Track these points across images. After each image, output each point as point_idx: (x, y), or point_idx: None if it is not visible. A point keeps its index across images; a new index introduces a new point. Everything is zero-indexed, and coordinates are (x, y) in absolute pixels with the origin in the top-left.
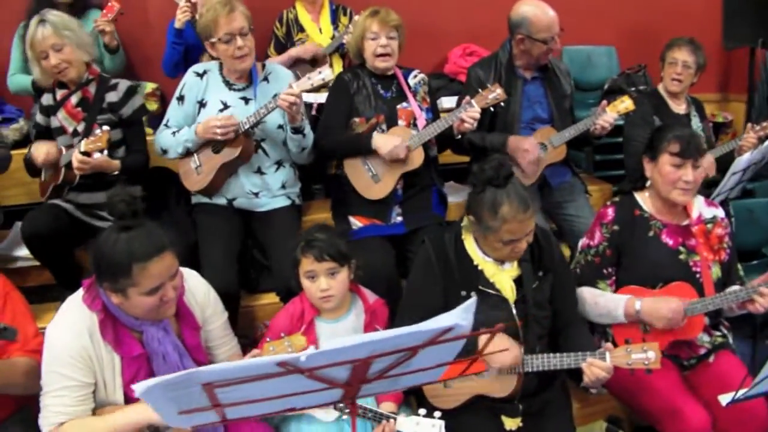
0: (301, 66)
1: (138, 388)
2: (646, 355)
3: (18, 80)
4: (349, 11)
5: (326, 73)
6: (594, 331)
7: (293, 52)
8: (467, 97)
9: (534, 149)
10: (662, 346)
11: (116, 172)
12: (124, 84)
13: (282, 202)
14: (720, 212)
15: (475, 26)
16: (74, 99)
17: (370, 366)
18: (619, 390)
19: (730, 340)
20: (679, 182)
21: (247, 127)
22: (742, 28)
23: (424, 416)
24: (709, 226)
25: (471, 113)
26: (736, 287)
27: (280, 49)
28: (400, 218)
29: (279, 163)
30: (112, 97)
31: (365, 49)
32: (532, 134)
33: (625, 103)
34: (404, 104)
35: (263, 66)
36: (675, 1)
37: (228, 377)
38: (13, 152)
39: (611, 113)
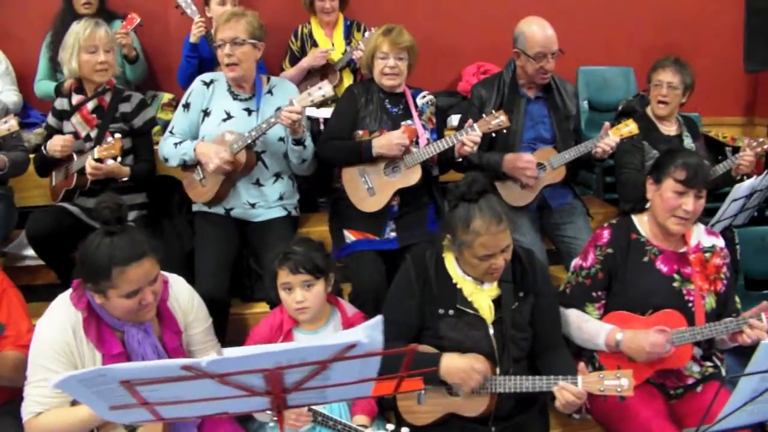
0: (312, 79)
1: (53, 379)
2: (619, 382)
3: (43, 86)
4: (363, 27)
5: (326, 90)
6: (581, 354)
7: (304, 62)
8: (470, 121)
9: (531, 164)
10: (648, 374)
11: (125, 179)
12: (137, 96)
13: (277, 212)
14: (720, 242)
15: (489, 45)
16: (90, 105)
17: (284, 377)
18: (601, 416)
19: (723, 372)
20: (678, 210)
21: (249, 141)
22: (763, 51)
23: (392, 431)
24: (707, 255)
25: (472, 137)
26: (730, 318)
27: (295, 63)
28: (393, 234)
29: (278, 175)
30: (125, 107)
31: (374, 67)
32: (532, 154)
33: (629, 127)
34: (409, 122)
35: (268, 79)
36: (696, 22)
37: (139, 376)
38: (34, 156)
39: (614, 137)
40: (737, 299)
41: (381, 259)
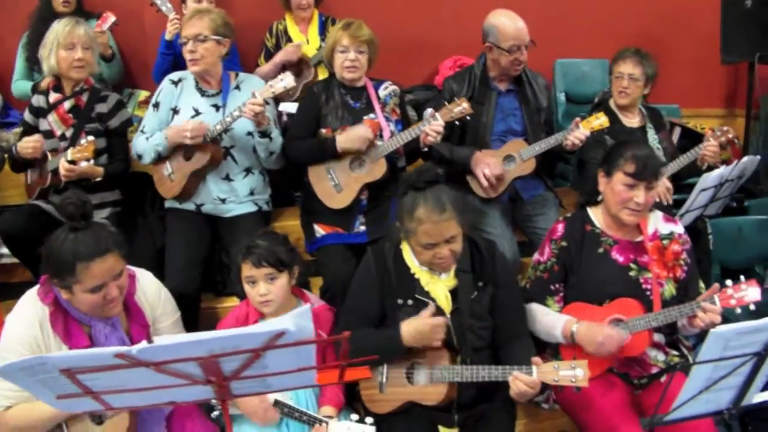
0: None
1: None
2: (573, 373)
3: (20, 86)
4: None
5: (288, 81)
6: (547, 347)
7: (277, 58)
8: (431, 110)
9: (494, 168)
10: (610, 364)
11: (99, 179)
12: (114, 97)
13: (248, 208)
14: (678, 228)
15: (466, 38)
16: (67, 105)
17: (220, 365)
18: (567, 405)
19: (691, 360)
20: (629, 203)
21: (215, 134)
22: (740, 43)
23: (357, 422)
24: (665, 242)
25: (434, 127)
26: (685, 303)
27: (270, 59)
28: (363, 227)
29: (248, 170)
30: (101, 108)
31: (335, 61)
32: (503, 146)
33: (600, 120)
34: (372, 115)
35: (236, 75)
36: (674, 13)
37: (77, 365)
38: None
39: (584, 130)
40: (701, 284)
41: (351, 253)
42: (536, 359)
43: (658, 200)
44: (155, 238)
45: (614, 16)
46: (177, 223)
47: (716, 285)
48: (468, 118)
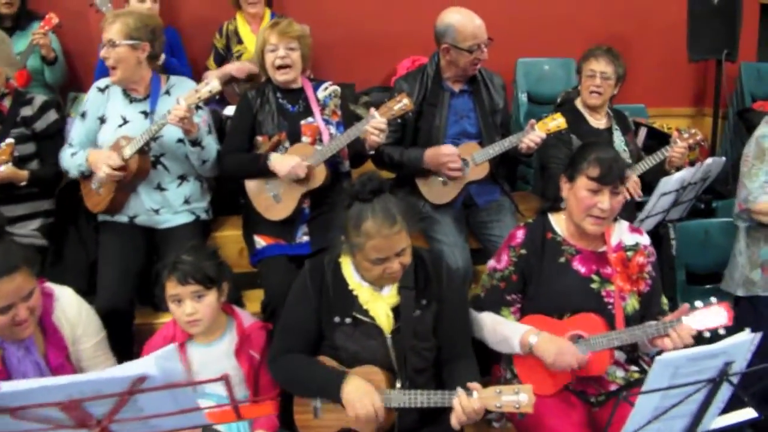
0: (239, 83)
1: None
2: (517, 398)
3: None
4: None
5: (213, 85)
6: (500, 360)
7: (228, 68)
8: (372, 109)
9: (452, 156)
10: (566, 382)
11: (24, 183)
12: (39, 99)
13: (185, 218)
14: (644, 239)
15: (424, 38)
16: None
17: (87, 409)
18: (519, 424)
19: None
20: (593, 209)
21: (141, 144)
22: (706, 40)
23: None
24: (629, 253)
25: (374, 124)
26: (652, 322)
27: (220, 61)
28: (306, 238)
29: (182, 178)
30: (26, 111)
31: (266, 62)
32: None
33: (557, 121)
34: (310, 119)
35: (168, 78)
36: (640, 11)
37: None
38: None
39: (540, 132)
40: (663, 299)
41: (294, 265)
42: (475, 385)
43: (629, 197)
44: (89, 250)
45: (577, 14)
46: (110, 235)
47: (685, 305)
48: (410, 114)
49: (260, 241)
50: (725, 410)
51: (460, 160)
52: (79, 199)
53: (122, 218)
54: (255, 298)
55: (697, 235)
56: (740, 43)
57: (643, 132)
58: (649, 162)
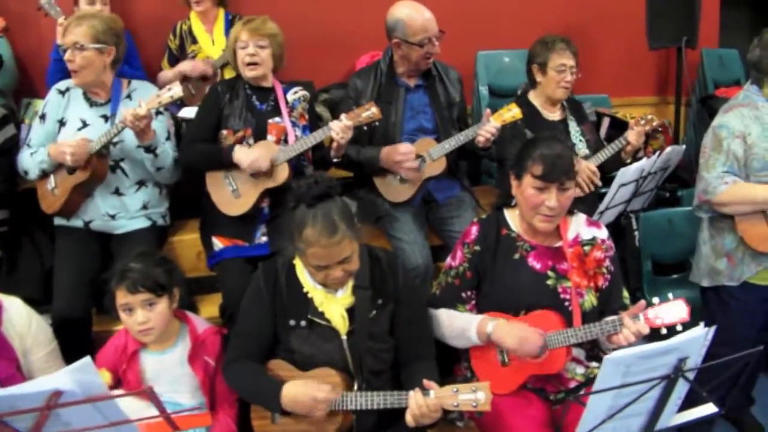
0: (192, 81)
1: None
2: (474, 396)
3: None
4: None
5: (175, 91)
6: (460, 359)
7: (182, 67)
8: (342, 116)
9: (408, 155)
10: (523, 379)
11: None
12: None
13: (141, 223)
14: (601, 233)
15: (382, 33)
16: None
17: (10, 424)
18: (480, 423)
19: None
20: (541, 207)
21: (97, 148)
22: (666, 27)
23: None
24: (586, 248)
25: (339, 127)
26: (609, 318)
27: (174, 62)
28: (265, 238)
29: (141, 183)
30: None
31: (237, 58)
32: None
33: (512, 112)
34: (277, 119)
35: (129, 82)
36: (599, 0)
37: None
38: None
39: (495, 122)
40: (624, 293)
41: (251, 267)
42: (431, 383)
43: (587, 190)
44: (44, 258)
45: (536, 5)
46: (65, 242)
47: (642, 302)
48: (377, 123)
49: (218, 243)
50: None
51: (415, 158)
52: (33, 209)
53: (77, 223)
54: (214, 302)
55: (662, 224)
56: (701, 29)
57: (606, 122)
58: (607, 152)
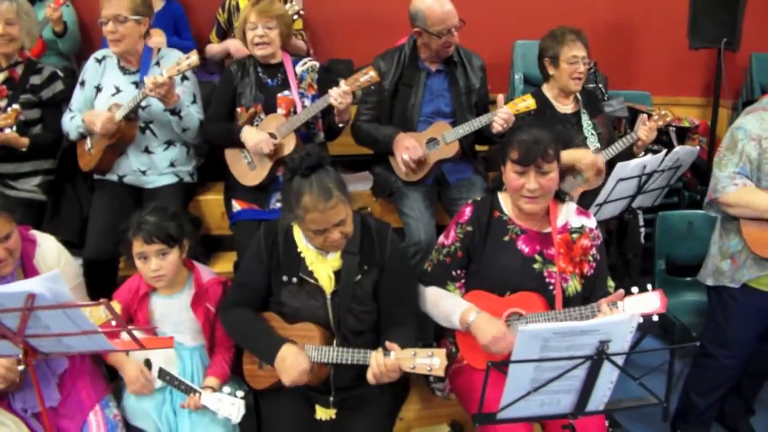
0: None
1: None
2: (430, 361)
3: None
4: None
5: (193, 59)
6: (446, 334)
7: (227, 44)
8: (341, 81)
9: (414, 151)
10: (501, 357)
11: (25, 149)
12: (48, 69)
13: (169, 179)
14: (590, 222)
15: None
16: (1, 77)
17: (2, 321)
18: (458, 395)
19: None
20: (522, 190)
21: (124, 114)
22: (707, 28)
23: (228, 394)
24: (574, 236)
25: (338, 92)
26: (589, 305)
27: (222, 34)
28: (279, 204)
29: (169, 143)
30: (35, 79)
31: (247, 38)
32: (428, 128)
33: (527, 102)
34: (286, 92)
35: (158, 50)
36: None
37: None
38: None
39: (507, 109)
40: (610, 282)
41: None
42: (393, 345)
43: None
44: (83, 207)
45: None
46: (101, 193)
47: (620, 291)
48: (372, 87)
49: (236, 206)
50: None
51: (419, 154)
52: (77, 162)
53: (113, 177)
54: (232, 259)
55: (680, 225)
56: (751, 32)
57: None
58: (618, 146)
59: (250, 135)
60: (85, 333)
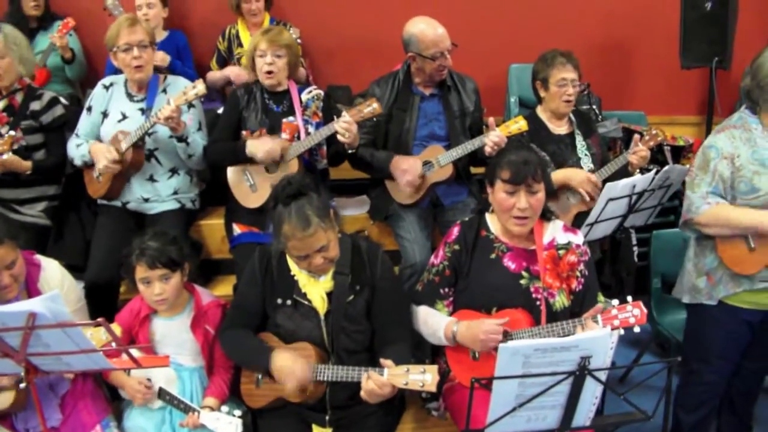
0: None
1: None
2: (423, 377)
3: None
4: (289, 26)
5: (200, 88)
6: (440, 353)
7: (228, 71)
8: (344, 111)
9: (413, 171)
10: (491, 373)
11: (28, 172)
12: (48, 95)
13: (171, 205)
14: (577, 239)
15: None
16: (1, 104)
17: (4, 339)
18: (452, 413)
19: None
20: (513, 210)
21: (132, 141)
22: (699, 47)
23: (226, 413)
24: (561, 252)
25: (341, 124)
26: (572, 320)
27: (222, 62)
28: None
29: (173, 171)
30: (35, 105)
31: (256, 66)
32: (422, 151)
33: (518, 124)
34: (291, 118)
35: (164, 78)
36: (638, 14)
37: None
38: None
39: (499, 132)
40: (600, 297)
41: None
42: (387, 362)
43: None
44: (86, 231)
45: (572, 20)
46: (104, 218)
47: (599, 305)
48: (381, 117)
49: (237, 229)
50: None
51: (418, 171)
52: (81, 186)
53: (116, 203)
54: (232, 282)
55: (674, 243)
56: (742, 50)
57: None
58: (612, 167)
59: (256, 144)
60: (83, 351)
